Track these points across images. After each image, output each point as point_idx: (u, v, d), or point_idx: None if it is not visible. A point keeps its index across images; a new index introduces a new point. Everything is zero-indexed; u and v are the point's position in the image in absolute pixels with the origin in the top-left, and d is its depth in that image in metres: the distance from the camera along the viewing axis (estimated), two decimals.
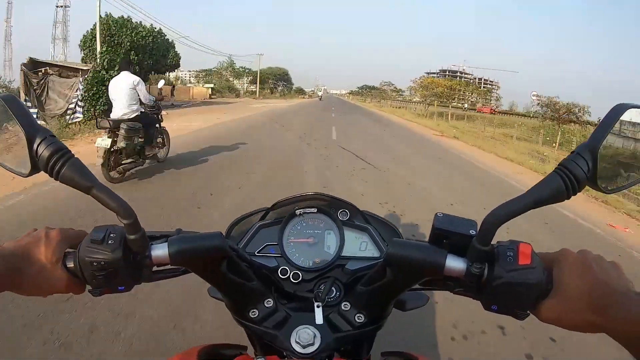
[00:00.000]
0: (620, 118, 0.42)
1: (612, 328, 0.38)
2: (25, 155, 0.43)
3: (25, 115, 0.43)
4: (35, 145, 0.42)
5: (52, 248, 0.46)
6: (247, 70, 61.73)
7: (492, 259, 0.43)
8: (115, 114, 4.70)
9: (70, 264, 0.47)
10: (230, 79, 57.88)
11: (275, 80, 65.73)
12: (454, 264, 0.44)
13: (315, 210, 0.69)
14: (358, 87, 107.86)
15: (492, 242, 0.43)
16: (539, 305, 0.42)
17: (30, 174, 0.44)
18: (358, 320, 0.53)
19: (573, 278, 0.40)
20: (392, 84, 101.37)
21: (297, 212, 0.69)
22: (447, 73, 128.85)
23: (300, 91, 78.00)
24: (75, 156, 0.44)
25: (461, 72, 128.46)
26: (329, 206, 0.70)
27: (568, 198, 0.41)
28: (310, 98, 72.72)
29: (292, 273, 0.63)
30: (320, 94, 46.93)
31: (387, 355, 0.63)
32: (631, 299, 0.37)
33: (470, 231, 0.44)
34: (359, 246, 0.68)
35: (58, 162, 0.42)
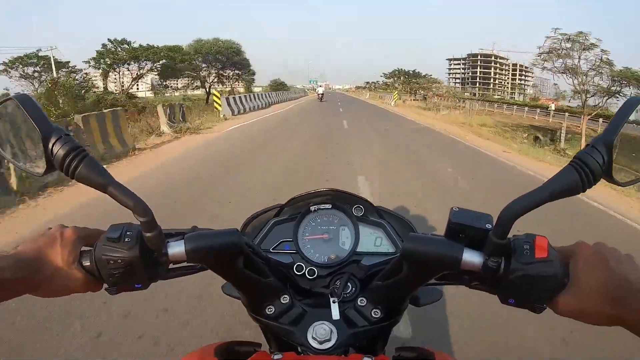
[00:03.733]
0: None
1: (629, 320, 0.38)
2: (41, 154, 0.43)
3: (39, 115, 0.43)
4: (50, 144, 0.42)
5: (68, 248, 0.46)
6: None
7: (508, 253, 0.43)
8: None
9: (87, 263, 0.47)
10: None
11: (214, 64, 33.95)
12: (471, 258, 0.44)
13: (330, 207, 0.69)
14: (385, 74, 67.57)
15: (508, 236, 0.43)
16: (555, 299, 0.42)
17: (46, 173, 0.44)
18: (374, 316, 0.54)
19: (589, 271, 0.40)
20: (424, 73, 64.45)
21: (312, 208, 0.69)
22: (478, 58, 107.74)
23: (280, 86, 54.43)
24: (90, 154, 0.44)
25: (496, 57, 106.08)
26: (344, 202, 0.70)
27: (583, 191, 0.41)
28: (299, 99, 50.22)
29: (307, 269, 0.63)
30: (320, 91, 35.17)
31: (401, 351, 0.63)
32: None
33: (487, 225, 0.44)
34: (374, 242, 0.68)
35: (74, 161, 0.42)
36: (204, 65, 34.52)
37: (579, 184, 0.40)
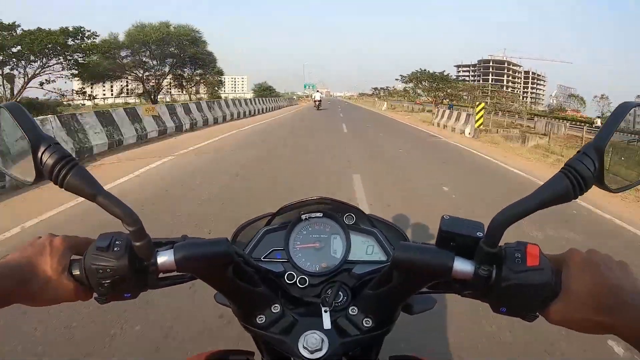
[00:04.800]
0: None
1: (621, 328, 0.37)
2: (30, 163, 0.43)
3: (29, 124, 0.43)
4: (40, 153, 0.42)
5: (57, 257, 0.46)
6: None
7: (499, 261, 0.43)
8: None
9: (77, 272, 0.47)
10: None
11: (164, 60, 24.61)
12: (462, 266, 0.44)
13: (321, 215, 0.69)
14: (403, 76, 46.37)
15: (499, 244, 0.43)
16: (547, 308, 0.42)
17: (35, 182, 0.44)
18: (366, 325, 0.53)
19: (581, 279, 0.40)
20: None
21: (303, 216, 0.69)
22: (490, 65, 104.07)
23: (266, 92, 45.86)
24: (79, 164, 0.44)
25: (509, 63, 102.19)
26: (335, 210, 0.70)
27: (575, 198, 0.41)
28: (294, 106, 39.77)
29: (298, 278, 0.63)
30: (317, 97, 30.41)
31: (396, 359, 0.62)
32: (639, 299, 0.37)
33: (477, 233, 0.44)
34: (366, 250, 0.67)
35: (62, 170, 0.42)
36: (153, 62, 24.07)
37: (570, 191, 0.40)
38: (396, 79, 41.48)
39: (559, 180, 0.41)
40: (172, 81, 26.99)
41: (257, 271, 0.56)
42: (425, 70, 42.43)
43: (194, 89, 29.17)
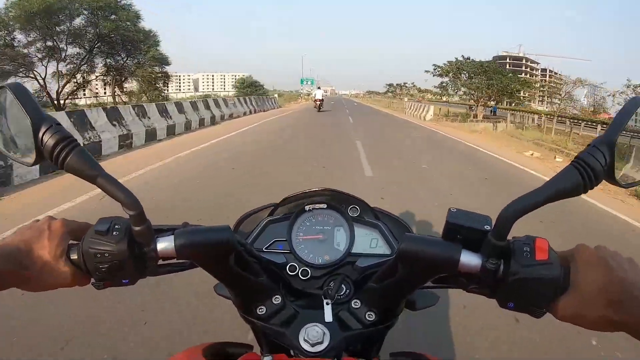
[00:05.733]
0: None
1: (631, 325, 0.37)
2: (31, 143, 0.42)
3: (31, 104, 0.42)
4: (40, 134, 0.42)
5: (55, 241, 0.45)
6: None
7: (508, 255, 0.42)
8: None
9: (74, 256, 0.46)
10: None
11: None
12: (469, 259, 0.43)
13: (325, 206, 0.68)
14: (438, 67, 27.48)
15: (507, 238, 0.42)
16: (555, 303, 0.41)
17: (35, 163, 0.44)
18: (369, 319, 0.52)
19: (590, 274, 0.39)
20: None
21: (307, 207, 0.68)
22: (507, 62, 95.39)
23: (252, 89, 38.09)
24: (80, 145, 0.43)
25: (527, 60, 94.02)
26: (339, 202, 0.69)
27: (585, 192, 0.40)
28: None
29: (301, 270, 0.63)
30: (318, 96, 23.42)
31: (396, 356, 0.61)
32: None
33: (485, 226, 0.43)
34: (370, 243, 0.67)
35: (63, 151, 0.42)
36: (70, 47, 16.37)
37: (580, 185, 0.40)
38: (427, 71, 28.33)
39: (570, 173, 0.40)
40: (104, 76, 18.39)
41: (259, 261, 0.55)
42: (468, 58, 26.98)
43: (118, 86, 19.86)
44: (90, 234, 0.46)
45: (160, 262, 0.49)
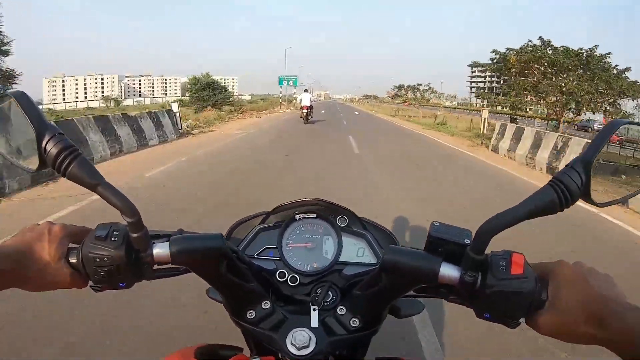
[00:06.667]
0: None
1: (608, 340, 0.38)
2: (34, 151, 0.44)
3: (35, 112, 0.44)
4: (44, 142, 0.43)
5: (55, 244, 0.47)
6: None
7: (485, 268, 0.44)
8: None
9: (74, 260, 0.48)
10: None
11: None
12: (448, 271, 0.45)
13: (315, 216, 0.70)
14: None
15: (486, 252, 0.44)
16: (535, 317, 0.43)
17: (38, 170, 0.45)
18: (353, 325, 0.54)
19: (568, 290, 0.41)
20: None
21: (297, 217, 0.70)
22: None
23: (208, 91, 24.53)
24: (82, 154, 0.45)
25: None
26: (328, 212, 0.71)
27: (561, 210, 0.42)
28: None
29: (290, 276, 0.64)
30: (305, 102, 16.67)
31: None
32: (626, 310, 0.38)
33: (465, 240, 0.46)
34: (357, 252, 0.69)
35: (65, 160, 0.43)
36: None
37: (556, 204, 0.41)
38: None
39: (546, 192, 0.42)
40: None
41: (250, 268, 0.57)
42: (549, 42, 16.30)
43: None
44: (90, 239, 0.48)
45: (156, 266, 0.51)
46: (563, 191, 0.41)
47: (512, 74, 17.72)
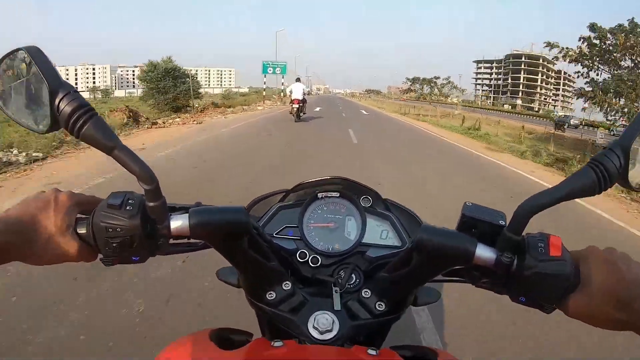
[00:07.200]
0: None
1: (638, 325, 0.38)
2: (46, 110, 0.40)
3: (49, 68, 0.40)
4: (57, 100, 0.40)
5: (62, 213, 0.43)
6: None
7: (522, 250, 0.43)
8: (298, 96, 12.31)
9: (82, 230, 0.44)
10: None
11: None
12: (484, 252, 0.44)
13: (338, 195, 0.68)
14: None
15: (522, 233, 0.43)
16: (566, 300, 0.42)
17: (49, 130, 0.42)
18: (378, 309, 0.52)
19: (600, 275, 0.40)
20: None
21: (319, 195, 0.68)
22: (522, 60, 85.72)
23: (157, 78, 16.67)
24: (98, 114, 0.41)
25: (544, 59, 79.99)
26: (352, 191, 0.69)
27: (599, 192, 0.42)
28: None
29: (311, 257, 0.62)
30: (297, 94, 12.19)
31: (397, 349, 0.60)
32: None
33: (500, 221, 0.45)
34: (380, 234, 0.67)
35: (80, 119, 0.40)
36: None
37: (595, 185, 0.41)
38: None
39: (586, 173, 0.41)
40: None
41: (270, 246, 0.54)
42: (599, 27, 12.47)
43: None
44: (102, 207, 0.44)
45: (172, 240, 0.48)
46: (602, 172, 0.41)
47: (612, 62, 12.66)
